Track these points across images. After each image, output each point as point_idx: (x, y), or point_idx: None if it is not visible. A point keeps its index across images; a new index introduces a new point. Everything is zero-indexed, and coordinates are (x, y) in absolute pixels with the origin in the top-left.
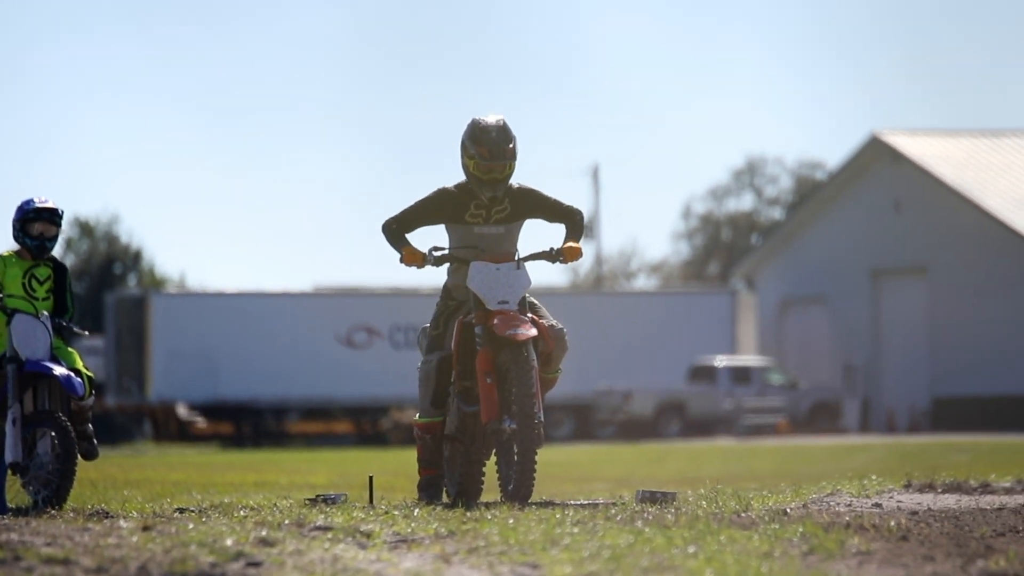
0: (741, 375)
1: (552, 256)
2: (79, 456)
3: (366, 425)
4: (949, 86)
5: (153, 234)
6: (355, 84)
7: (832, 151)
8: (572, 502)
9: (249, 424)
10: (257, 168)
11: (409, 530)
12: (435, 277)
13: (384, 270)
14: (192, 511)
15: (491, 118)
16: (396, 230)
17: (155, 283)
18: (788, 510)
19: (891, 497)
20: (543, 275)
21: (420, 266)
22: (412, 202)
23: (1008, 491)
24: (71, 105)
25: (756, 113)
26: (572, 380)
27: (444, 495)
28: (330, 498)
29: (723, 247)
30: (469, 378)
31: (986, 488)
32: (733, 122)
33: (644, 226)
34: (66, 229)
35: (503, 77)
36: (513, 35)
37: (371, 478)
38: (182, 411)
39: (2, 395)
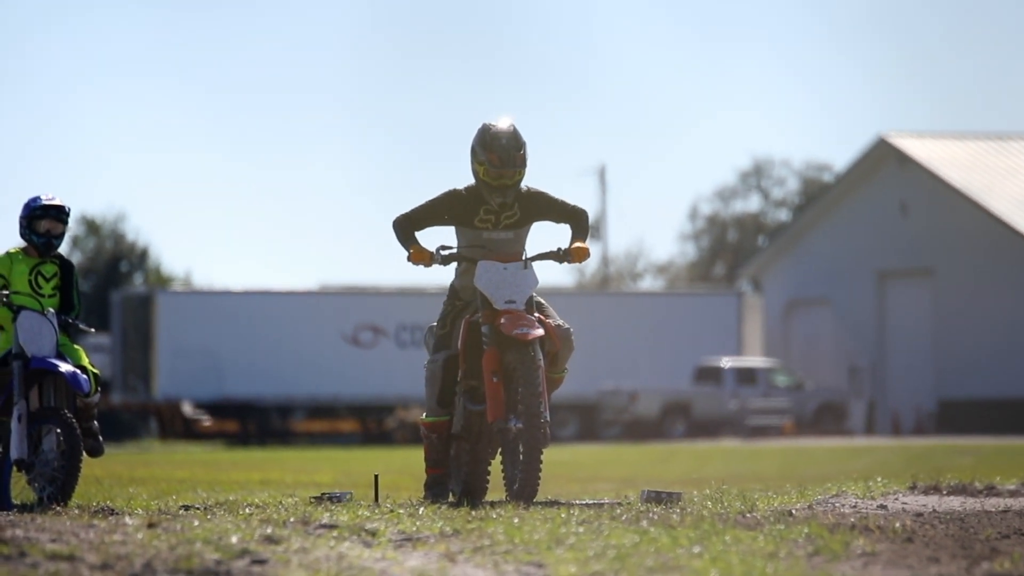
0: (747, 376)
1: (560, 256)
2: (84, 453)
3: (371, 424)
4: (956, 89)
5: (160, 232)
6: (363, 83)
7: (839, 153)
8: (577, 502)
9: (254, 422)
10: (265, 167)
11: (414, 529)
12: (441, 276)
13: (390, 269)
14: (197, 508)
15: (502, 124)
16: (406, 227)
17: (161, 281)
18: (793, 511)
19: (896, 499)
20: (550, 275)
21: (427, 265)
22: (423, 201)
23: (1013, 494)
24: (78, 102)
25: (763, 115)
26: (578, 380)
27: (450, 494)
28: (335, 496)
29: (729, 248)
30: (475, 377)
31: (991, 490)
32: (740, 124)
33: (651, 227)
34: (73, 227)
35: (511, 76)
36: (523, 35)
37: (376, 476)
38: (188, 409)
39: (8, 392)
